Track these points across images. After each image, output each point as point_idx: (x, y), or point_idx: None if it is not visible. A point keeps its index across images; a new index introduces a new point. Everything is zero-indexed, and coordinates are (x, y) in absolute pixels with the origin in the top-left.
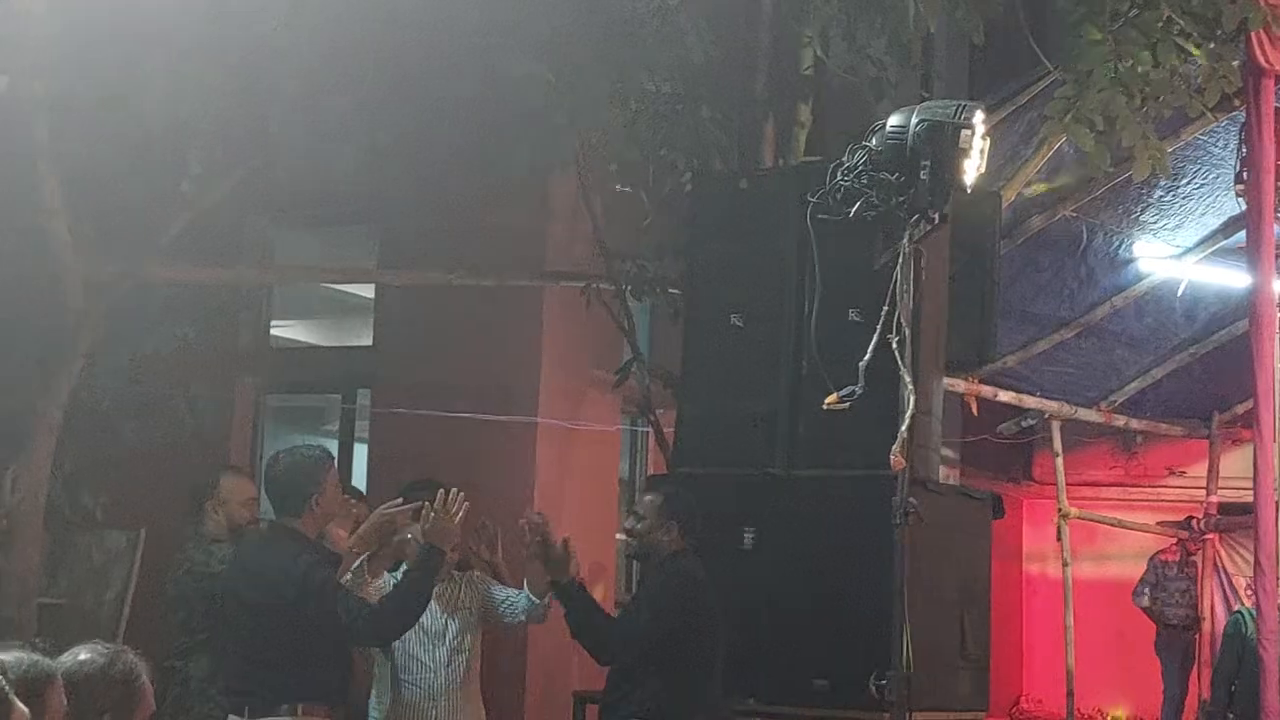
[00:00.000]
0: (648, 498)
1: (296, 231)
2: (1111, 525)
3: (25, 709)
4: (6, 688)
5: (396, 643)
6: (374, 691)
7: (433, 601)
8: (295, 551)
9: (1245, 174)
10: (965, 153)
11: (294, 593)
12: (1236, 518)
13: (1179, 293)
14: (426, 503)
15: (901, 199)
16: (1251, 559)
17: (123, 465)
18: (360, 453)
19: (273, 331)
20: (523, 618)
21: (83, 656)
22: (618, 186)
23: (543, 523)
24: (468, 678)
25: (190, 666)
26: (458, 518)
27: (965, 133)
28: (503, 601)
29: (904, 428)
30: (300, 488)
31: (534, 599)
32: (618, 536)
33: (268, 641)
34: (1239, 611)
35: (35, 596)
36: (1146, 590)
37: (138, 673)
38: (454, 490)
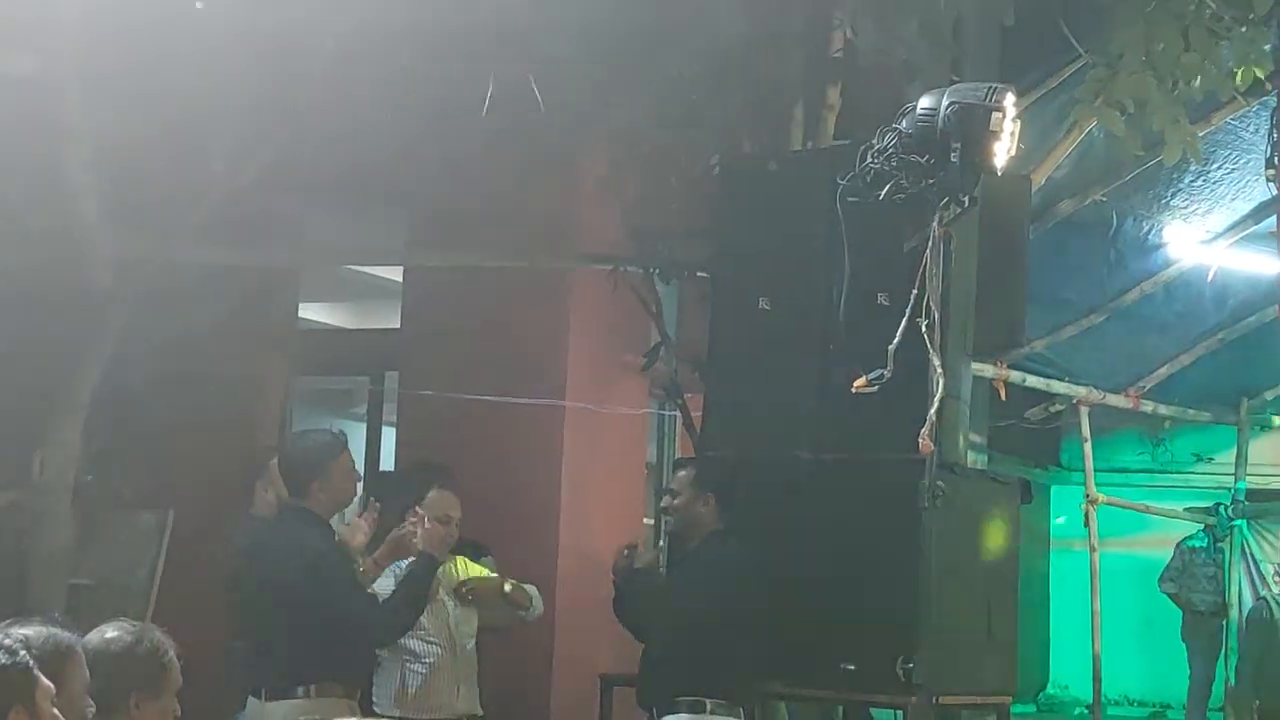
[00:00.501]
0: (680, 473)
1: (326, 213)
2: (1139, 511)
3: (50, 684)
4: (31, 662)
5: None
6: (380, 675)
7: (444, 596)
8: (304, 535)
9: (1276, 159)
10: (996, 135)
11: (302, 578)
12: (1264, 504)
13: (1208, 278)
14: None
15: (931, 182)
16: (1279, 545)
17: (151, 446)
18: (389, 435)
19: (301, 313)
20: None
21: (109, 634)
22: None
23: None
24: (469, 658)
25: None
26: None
27: (996, 115)
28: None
29: (933, 411)
30: (303, 471)
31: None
32: (645, 521)
33: (282, 622)
34: (1264, 597)
35: (64, 577)
36: (1173, 576)
37: (164, 650)
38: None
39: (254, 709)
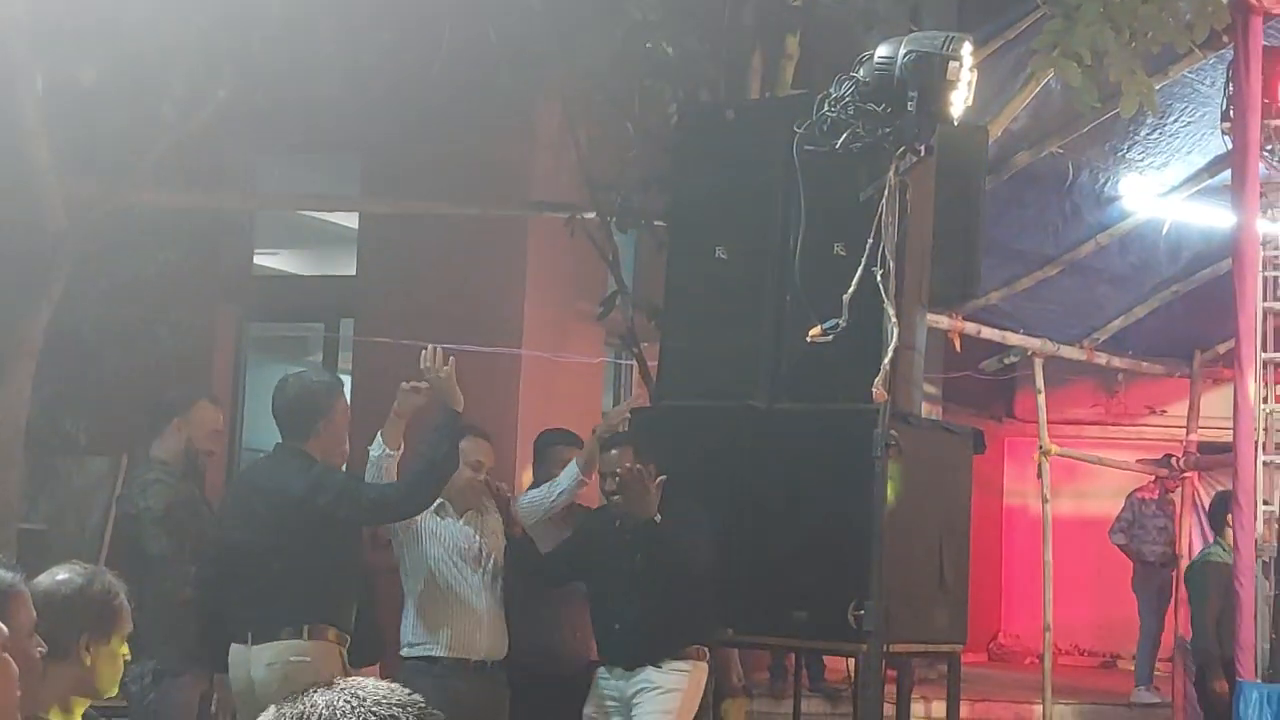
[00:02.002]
0: (613, 453)
1: (280, 158)
2: (1092, 463)
3: (1, 626)
4: None
5: (434, 566)
6: (407, 616)
7: (468, 526)
8: (305, 465)
9: (1232, 112)
10: (952, 85)
11: (305, 493)
12: (1216, 456)
13: (1163, 231)
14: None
15: (888, 130)
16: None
17: (104, 391)
18: (344, 383)
19: (255, 260)
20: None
21: (60, 576)
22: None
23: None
24: (500, 601)
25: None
26: (445, 371)
27: (953, 65)
28: (531, 502)
29: (886, 361)
30: (309, 412)
31: (582, 478)
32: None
33: (270, 564)
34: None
35: (16, 522)
36: (1124, 528)
37: (115, 593)
38: (431, 347)
39: (238, 655)
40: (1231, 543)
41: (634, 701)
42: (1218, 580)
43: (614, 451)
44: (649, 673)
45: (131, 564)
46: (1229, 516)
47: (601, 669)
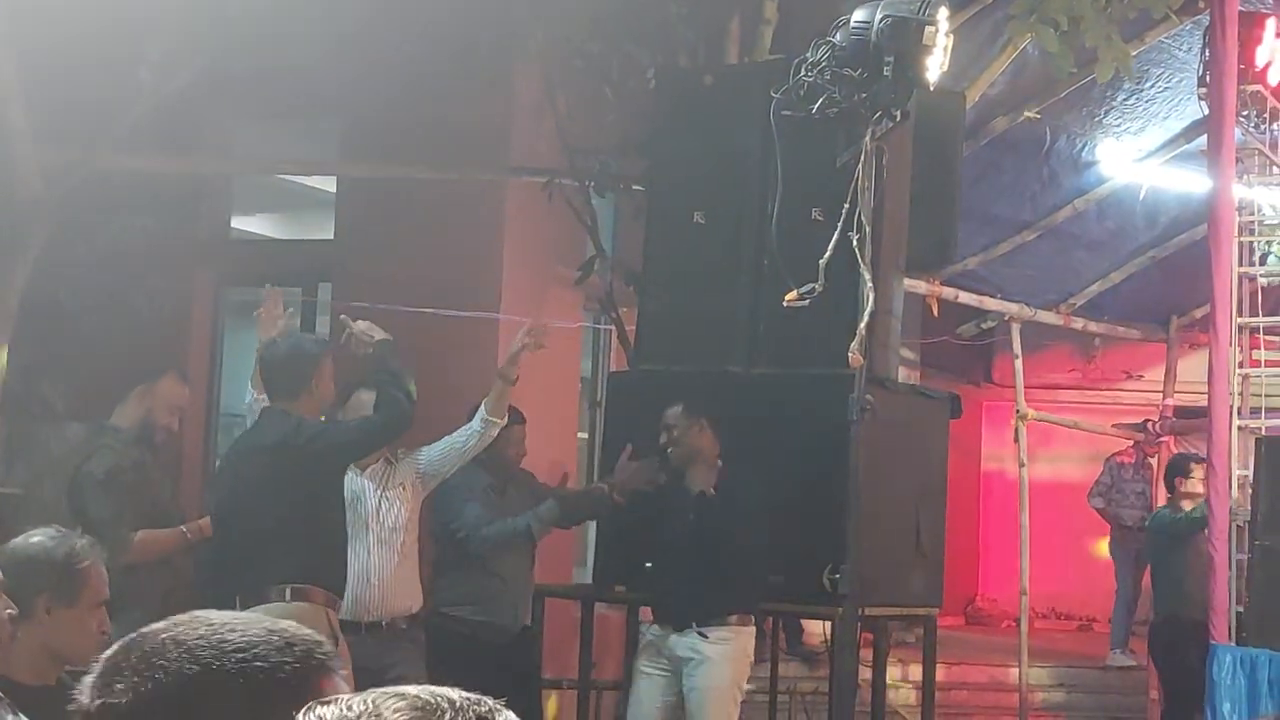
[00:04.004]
0: (671, 410)
1: (257, 122)
2: (1068, 427)
3: None
4: None
5: None
6: None
7: (368, 482)
8: (296, 421)
9: (1208, 77)
10: (929, 49)
11: (285, 436)
12: (1192, 420)
13: (1140, 196)
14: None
15: (864, 95)
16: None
17: (82, 357)
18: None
19: (233, 224)
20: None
21: (33, 539)
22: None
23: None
24: (403, 556)
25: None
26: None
27: (929, 29)
28: (444, 448)
29: (862, 325)
30: (298, 372)
31: (489, 418)
32: (579, 435)
33: (254, 525)
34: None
35: None
36: (1102, 492)
37: (81, 559)
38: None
39: None
40: (1180, 505)
41: (685, 671)
42: (1153, 540)
43: (672, 409)
44: (696, 641)
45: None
46: (1178, 480)
47: (651, 625)
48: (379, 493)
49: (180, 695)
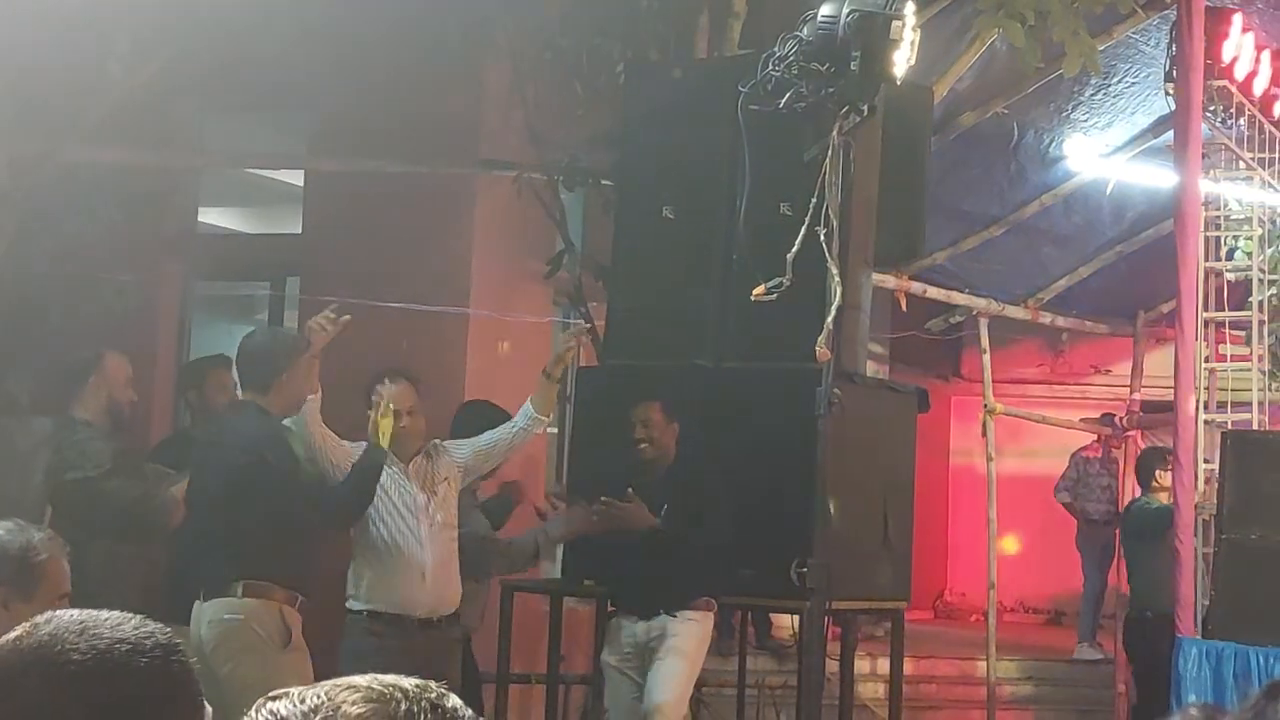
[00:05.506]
0: (651, 408)
1: (225, 116)
2: (1036, 421)
3: None
4: None
5: (377, 519)
6: (353, 567)
7: (409, 479)
8: (261, 425)
9: (1175, 73)
10: (896, 44)
11: (248, 471)
12: (1159, 415)
13: (1107, 191)
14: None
15: (831, 90)
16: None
17: (48, 351)
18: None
19: (200, 218)
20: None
21: None
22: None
23: None
24: (450, 553)
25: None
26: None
27: (896, 24)
28: (488, 443)
29: (829, 320)
30: (271, 365)
31: (536, 416)
32: (549, 431)
33: (226, 517)
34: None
35: None
36: (1068, 486)
37: (39, 552)
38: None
39: (195, 611)
40: (1158, 498)
41: (651, 648)
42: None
43: (651, 407)
44: (664, 620)
45: (77, 530)
46: (1156, 472)
47: (619, 618)
48: (426, 490)
49: None
